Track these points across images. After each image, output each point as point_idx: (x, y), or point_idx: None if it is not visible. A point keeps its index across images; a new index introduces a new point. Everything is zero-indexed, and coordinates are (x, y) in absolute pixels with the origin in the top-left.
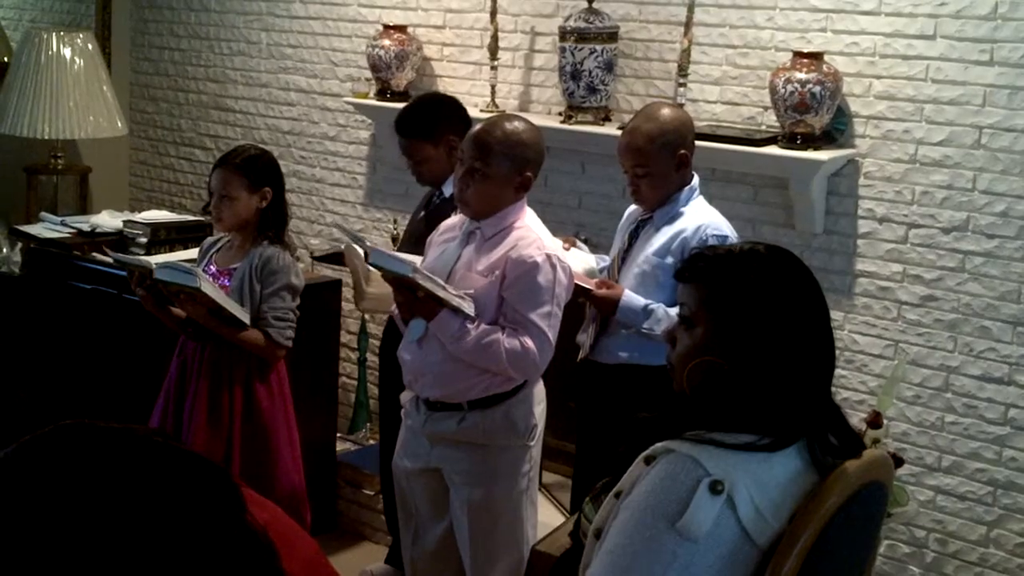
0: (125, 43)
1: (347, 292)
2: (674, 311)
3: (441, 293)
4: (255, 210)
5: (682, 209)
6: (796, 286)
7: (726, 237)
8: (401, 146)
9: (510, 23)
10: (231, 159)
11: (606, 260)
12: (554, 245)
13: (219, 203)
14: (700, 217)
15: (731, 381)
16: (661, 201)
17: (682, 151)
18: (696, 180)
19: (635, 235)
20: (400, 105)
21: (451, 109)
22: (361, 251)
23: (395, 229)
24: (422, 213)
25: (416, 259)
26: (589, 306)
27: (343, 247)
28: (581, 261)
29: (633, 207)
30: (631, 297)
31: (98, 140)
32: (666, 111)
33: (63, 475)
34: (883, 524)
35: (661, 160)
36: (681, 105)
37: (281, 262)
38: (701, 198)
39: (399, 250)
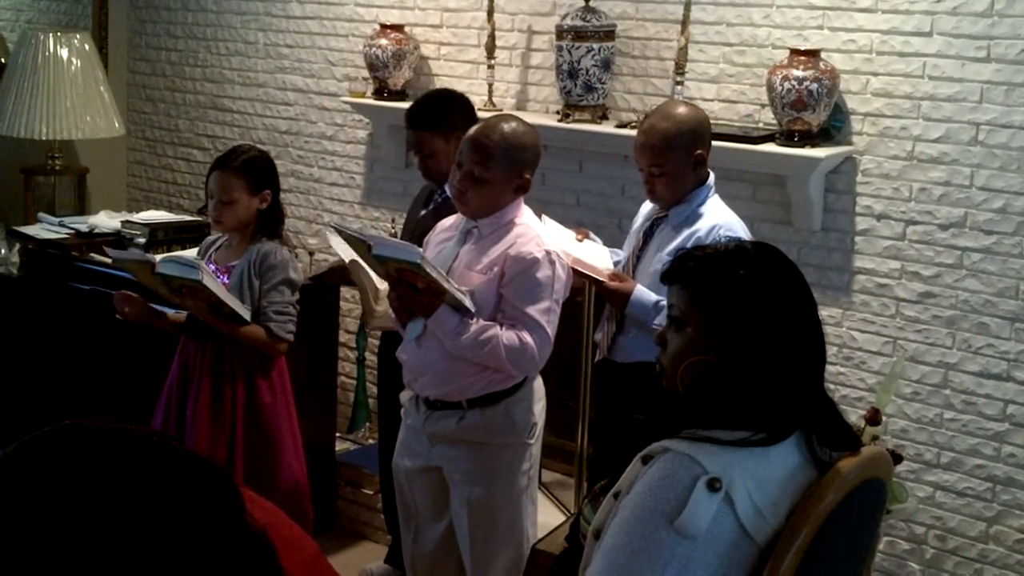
0: (122, 44)
1: (345, 292)
2: None
3: (445, 284)
4: (255, 211)
5: (699, 209)
6: (784, 282)
7: (739, 239)
8: (410, 140)
9: (507, 22)
10: (230, 162)
11: (619, 254)
12: (552, 241)
13: (219, 207)
14: (714, 217)
15: (724, 378)
16: (676, 200)
17: (698, 151)
18: (712, 179)
19: (650, 234)
20: (398, 104)
21: (462, 105)
22: (359, 249)
23: (393, 228)
24: (423, 211)
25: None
26: (606, 305)
27: (347, 262)
28: (595, 253)
29: (647, 204)
30: (643, 292)
31: (95, 141)
32: (683, 110)
33: (62, 476)
34: (882, 521)
35: (677, 159)
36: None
37: (279, 257)
38: (717, 196)
39: None
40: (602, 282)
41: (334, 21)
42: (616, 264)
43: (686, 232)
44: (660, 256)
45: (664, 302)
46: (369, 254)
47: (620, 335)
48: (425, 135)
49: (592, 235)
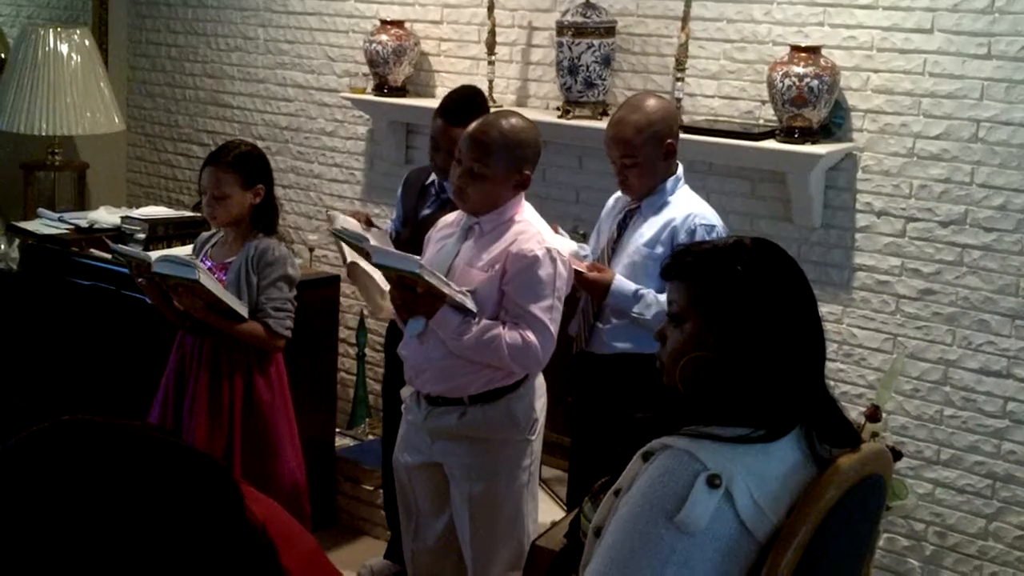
0: (122, 39)
1: (345, 287)
2: (664, 297)
3: (445, 289)
4: (249, 206)
5: (669, 198)
6: (783, 277)
7: (713, 226)
8: (438, 135)
9: (507, 18)
10: (222, 157)
11: (586, 249)
12: (552, 237)
13: (212, 202)
14: (688, 206)
15: (723, 374)
16: (648, 190)
17: (669, 140)
18: (681, 169)
19: (624, 225)
20: (398, 100)
21: (487, 107)
22: (360, 252)
23: (392, 226)
24: (426, 210)
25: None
26: (580, 297)
27: (347, 261)
28: (565, 246)
29: (617, 195)
30: (622, 281)
31: (95, 136)
32: (651, 101)
33: (62, 470)
34: (882, 517)
35: (649, 150)
36: (679, 98)
37: (276, 253)
38: (687, 187)
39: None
40: (581, 273)
41: (334, 17)
42: (585, 258)
43: (661, 222)
44: (636, 247)
45: (643, 291)
46: (368, 260)
47: (598, 326)
48: (461, 131)
49: (560, 229)
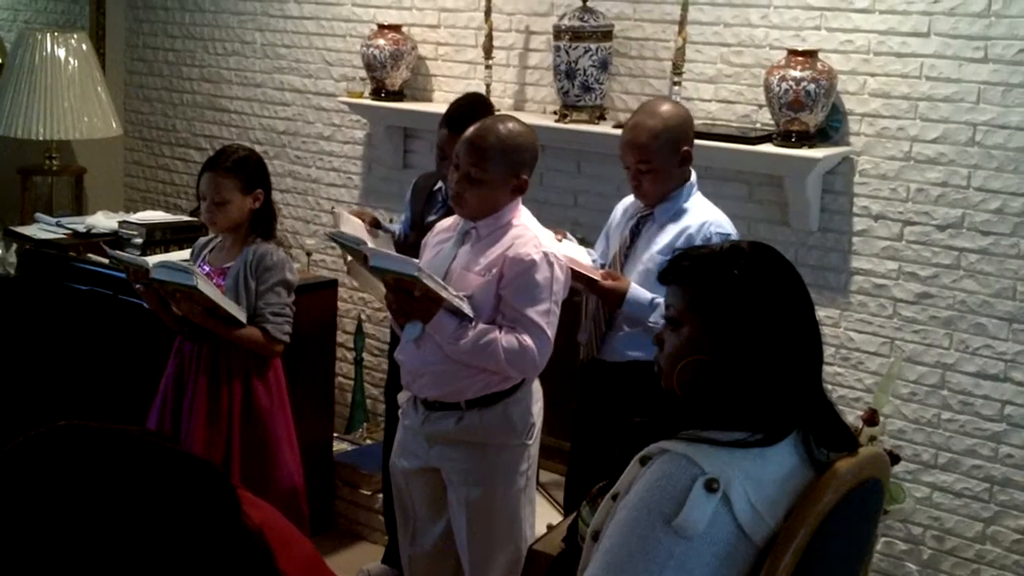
0: (119, 43)
1: (343, 292)
2: None
3: (443, 293)
4: (248, 211)
5: (684, 205)
6: (780, 282)
7: (729, 235)
8: (444, 144)
9: (504, 22)
10: (221, 162)
11: (594, 254)
12: (550, 241)
13: (212, 208)
14: (703, 214)
15: (721, 379)
16: (662, 197)
17: (685, 147)
18: (694, 176)
19: (636, 232)
20: (395, 104)
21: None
22: (356, 257)
23: (391, 224)
24: (432, 216)
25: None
26: (587, 304)
27: (346, 262)
28: (577, 253)
29: (627, 202)
30: (637, 290)
31: (93, 141)
32: (667, 107)
33: (58, 476)
34: (880, 521)
35: (664, 156)
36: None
37: (275, 258)
38: (699, 194)
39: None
40: (596, 281)
41: (332, 21)
42: (593, 263)
43: (676, 230)
44: (651, 254)
45: (659, 299)
46: (366, 264)
47: (611, 334)
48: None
49: (569, 235)
